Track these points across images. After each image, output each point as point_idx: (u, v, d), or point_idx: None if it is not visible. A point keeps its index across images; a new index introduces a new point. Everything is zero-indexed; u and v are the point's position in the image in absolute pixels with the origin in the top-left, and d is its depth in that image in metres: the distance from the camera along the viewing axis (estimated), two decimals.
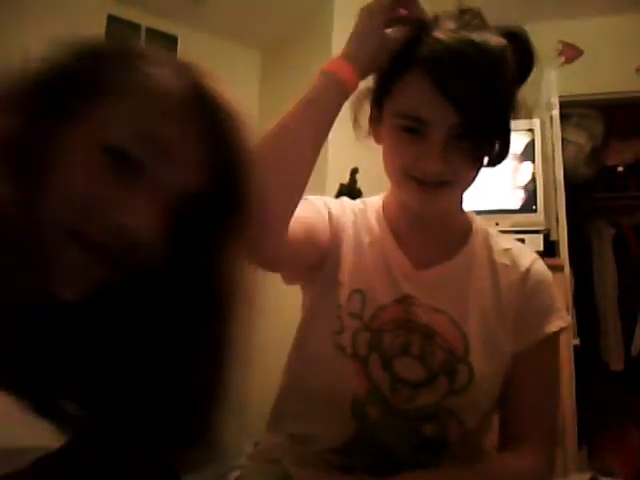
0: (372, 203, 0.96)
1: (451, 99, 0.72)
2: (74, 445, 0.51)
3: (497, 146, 0.80)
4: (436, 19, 0.79)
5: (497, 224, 2.15)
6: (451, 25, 0.76)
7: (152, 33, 2.95)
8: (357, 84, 0.79)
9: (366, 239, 0.90)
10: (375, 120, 0.85)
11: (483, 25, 0.78)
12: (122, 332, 0.53)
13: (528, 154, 2.25)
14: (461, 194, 0.86)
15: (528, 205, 2.21)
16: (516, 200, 2.24)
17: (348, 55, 0.78)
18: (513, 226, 2.15)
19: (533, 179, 2.22)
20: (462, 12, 0.79)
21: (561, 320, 0.86)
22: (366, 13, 0.78)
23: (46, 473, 0.55)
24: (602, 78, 2.79)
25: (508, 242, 0.93)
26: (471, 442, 0.84)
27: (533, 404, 0.85)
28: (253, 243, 0.64)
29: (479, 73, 0.72)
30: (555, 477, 0.86)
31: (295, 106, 0.77)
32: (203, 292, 0.54)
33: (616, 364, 2.95)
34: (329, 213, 0.90)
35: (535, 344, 0.84)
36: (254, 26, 3.05)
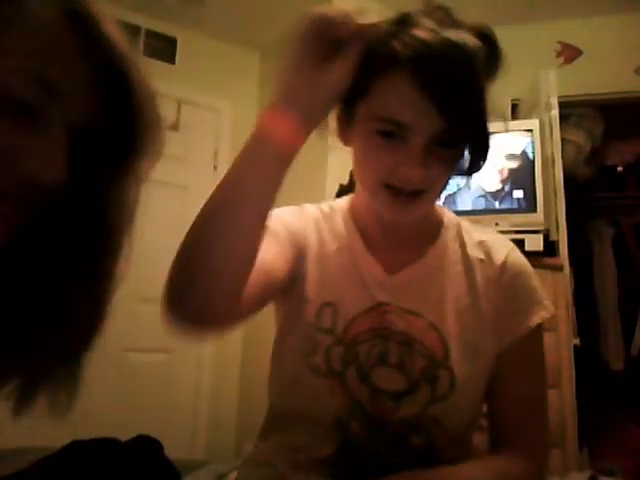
0: (340, 206, 0.92)
1: (436, 103, 0.67)
2: None
3: (475, 152, 0.75)
4: (412, 16, 0.73)
5: (497, 224, 2.15)
6: (429, 23, 0.70)
7: (152, 35, 2.95)
8: (302, 141, 0.67)
9: (333, 246, 0.87)
10: (344, 120, 0.78)
11: (455, 23, 0.72)
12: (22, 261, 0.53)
13: (528, 154, 2.25)
14: (434, 200, 0.81)
15: (528, 205, 2.21)
16: (516, 200, 2.24)
17: (283, 102, 0.66)
18: (513, 226, 2.15)
19: (533, 179, 2.22)
20: (433, 9, 0.74)
21: (543, 311, 0.83)
22: (297, 43, 0.68)
23: (48, 473, 0.55)
24: (601, 78, 2.79)
25: (482, 233, 0.89)
26: (459, 445, 0.82)
27: (520, 403, 0.83)
28: (206, 317, 0.65)
29: (463, 76, 0.68)
30: (555, 476, 0.85)
31: (231, 171, 0.69)
32: (100, 225, 0.55)
33: (616, 363, 2.95)
34: (290, 233, 0.84)
35: (518, 341, 0.82)
36: (253, 28, 3.06)
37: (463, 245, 0.86)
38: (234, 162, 0.70)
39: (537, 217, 2.20)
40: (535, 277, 0.86)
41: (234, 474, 0.90)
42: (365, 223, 0.87)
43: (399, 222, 0.82)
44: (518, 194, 2.24)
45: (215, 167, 3.07)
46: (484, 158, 0.76)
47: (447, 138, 0.70)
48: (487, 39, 0.73)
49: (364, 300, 0.82)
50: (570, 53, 2.89)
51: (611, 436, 2.73)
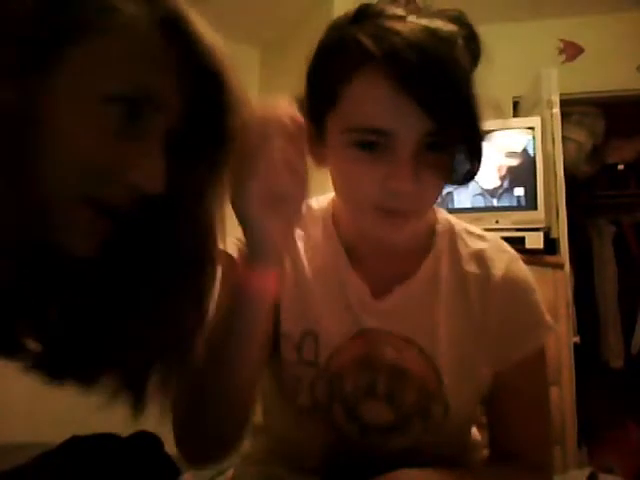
0: (317, 208, 0.80)
1: (420, 101, 0.58)
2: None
3: (469, 154, 0.65)
4: (374, 5, 0.64)
5: (497, 222, 2.15)
6: (397, 11, 0.62)
7: None
8: (274, 287, 0.60)
9: (311, 263, 0.76)
10: (315, 140, 0.67)
11: (423, 10, 0.63)
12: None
13: (529, 152, 2.24)
14: (427, 212, 0.73)
15: (528, 203, 2.21)
16: (516, 198, 2.24)
17: (259, 261, 0.59)
18: (513, 224, 2.15)
19: (534, 177, 2.22)
20: None
21: (544, 332, 0.75)
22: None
23: (47, 469, 0.55)
24: (603, 76, 2.78)
25: (478, 241, 0.78)
26: (455, 455, 0.78)
27: (523, 423, 0.76)
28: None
29: (446, 66, 0.58)
30: (555, 474, 0.85)
31: (217, 326, 0.62)
32: (192, 227, 0.55)
33: (616, 362, 2.95)
34: None
35: (517, 364, 0.74)
36: (253, 24, 3.05)
37: (458, 257, 0.76)
38: (221, 325, 0.62)
39: (538, 215, 2.19)
40: (536, 291, 0.76)
41: (232, 471, 0.90)
42: (349, 233, 0.76)
43: (391, 242, 0.71)
44: (519, 192, 2.23)
45: None
46: (479, 160, 0.66)
47: (437, 140, 0.61)
48: (462, 24, 0.64)
49: (349, 326, 0.74)
50: (572, 51, 2.89)
51: (610, 434, 2.74)
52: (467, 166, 0.66)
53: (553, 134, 2.32)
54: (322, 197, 0.82)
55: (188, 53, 0.50)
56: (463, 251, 0.76)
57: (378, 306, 0.74)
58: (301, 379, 0.73)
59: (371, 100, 0.61)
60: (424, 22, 0.60)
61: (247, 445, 0.93)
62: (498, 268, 0.75)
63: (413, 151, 0.60)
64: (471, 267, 0.75)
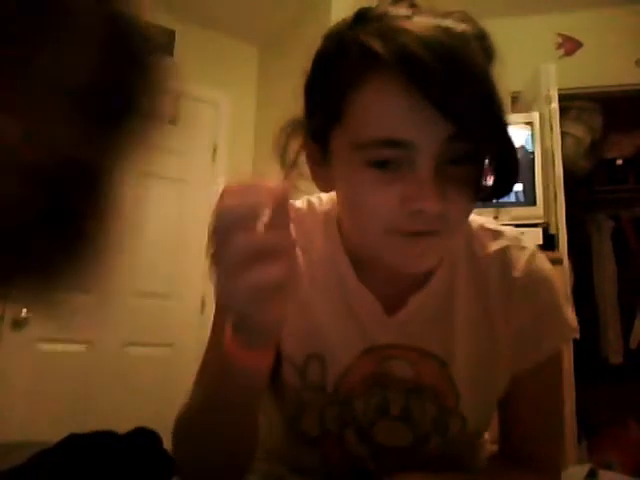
0: (320, 211, 0.73)
1: (441, 105, 0.51)
2: None
3: (500, 164, 0.58)
4: (375, 8, 0.58)
5: (496, 217, 2.15)
6: (404, 11, 0.55)
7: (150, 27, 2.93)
8: (269, 362, 0.54)
9: (313, 276, 0.69)
10: (317, 159, 0.62)
11: (428, 10, 0.57)
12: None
13: (527, 147, 2.24)
14: (457, 236, 0.65)
15: (527, 198, 2.21)
16: (515, 193, 2.24)
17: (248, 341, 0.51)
18: (512, 220, 2.15)
19: (532, 172, 2.22)
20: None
21: (567, 331, 0.71)
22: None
23: (46, 467, 0.55)
24: (601, 71, 2.78)
25: (496, 239, 0.72)
26: (461, 453, 0.75)
27: (536, 426, 0.72)
28: None
29: (467, 65, 0.52)
30: None
31: (206, 392, 0.59)
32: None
33: (615, 357, 2.95)
34: None
35: (537, 364, 0.70)
36: (252, 21, 3.04)
37: (475, 260, 0.71)
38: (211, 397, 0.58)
39: (536, 210, 2.19)
40: (557, 289, 0.71)
41: None
42: (354, 242, 0.69)
43: (415, 270, 0.61)
44: (517, 187, 2.23)
45: (214, 160, 3.06)
46: (514, 171, 0.58)
47: (461, 151, 0.54)
48: (470, 23, 0.58)
49: (358, 344, 0.68)
50: (570, 45, 2.88)
51: (610, 430, 2.74)
52: (499, 176, 0.58)
53: (551, 129, 2.32)
54: (325, 196, 0.75)
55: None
56: (480, 253, 0.71)
57: (391, 321, 0.68)
58: (307, 405, 0.69)
59: (383, 108, 0.53)
60: (432, 22, 0.54)
61: None
62: (518, 269, 0.69)
63: (434, 165, 0.53)
64: (489, 270, 0.70)
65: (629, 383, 2.87)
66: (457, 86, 0.51)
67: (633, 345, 2.94)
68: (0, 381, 2.31)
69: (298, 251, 0.68)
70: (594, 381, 2.61)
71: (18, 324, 2.40)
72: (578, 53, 2.87)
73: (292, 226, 0.66)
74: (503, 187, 0.59)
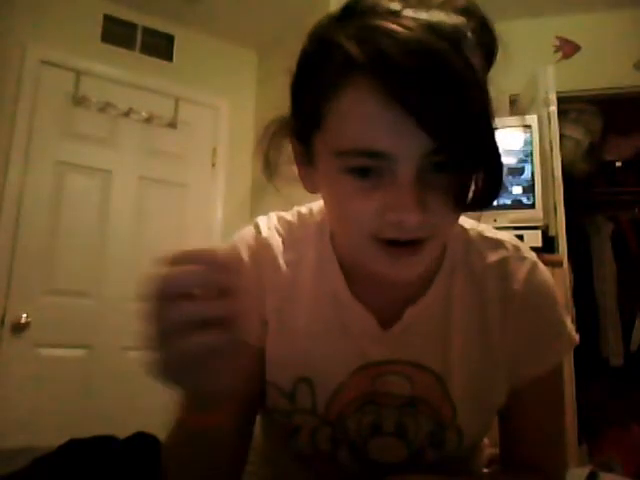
0: (311, 222, 0.71)
1: (419, 116, 0.47)
2: None
3: (486, 173, 0.54)
4: (362, 2, 0.52)
5: (495, 220, 2.15)
6: (394, 5, 0.50)
7: (149, 32, 2.94)
8: (230, 414, 0.53)
9: (303, 294, 0.67)
10: (304, 163, 0.60)
11: (423, 1, 0.51)
12: None
13: (526, 150, 2.24)
14: (442, 244, 0.62)
15: (526, 201, 2.21)
16: (514, 196, 2.24)
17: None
18: (511, 222, 2.15)
19: (531, 175, 2.22)
20: None
21: (567, 344, 0.70)
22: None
23: (47, 472, 0.55)
24: (600, 73, 2.78)
25: (496, 248, 0.69)
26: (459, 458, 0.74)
27: (538, 438, 0.70)
28: None
29: (450, 71, 0.47)
30: None
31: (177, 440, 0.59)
32: None
33: (616, 359, 2.95)
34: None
35: (537, 376, 0.68)
36: (251, 25, 3.05)
37: (473, 271, 0.68)
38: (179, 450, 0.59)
39: (536, 213, 2.20)
40: (558, 301, 0.70)
41: None
42: (347, 253, 0.67)
43: (398, 279, 0.59)
44: (517, 190, 2.23)
45: (213, 165, 3.06)
46: (496, 179, 0.54)
47: (443, 160, 0.51)
48: (471, 15, 0.52)
49: (350, 361, 0.66)
50: (569, 48, 2.89)
51: (610, 431, 2.74)
52: (484, 185, 0.55)
53: (550, 132, 2.32)
54: (315, 207, 0.72)
55: None
56: (479, 264, 0.68)
57: (386, 335, 0.66)
58: (298, 428, 0.67)
59: (359, 117, 0.50)
60: (423, 16, 0.49)
61: None
62: (518, 280, 0.67)
63: (415, 174, 0.50)
64: (488, 281, 0.67)
65: (630, 385, 2.86)
66: (438, 98, 0.47)
67: (633, 348, 2.93)
68: (0, 385, 2.31)
69: (289, 266, 0.67)
70: (595, 383, 2.61)
71: (18, 328, 2.40)
72: (576, 56, 2.88)
73: (279, 243, 0.67)
74: (487, 196, 0.55)
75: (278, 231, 0.71)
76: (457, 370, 0.66)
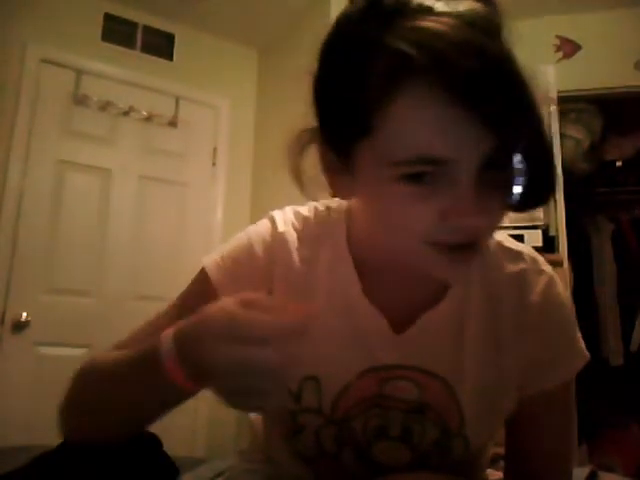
0: (328, 221, 0.69)
1: (486, 117, 0.46)
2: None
3: (538, 169, 0.54)
4: (392, 3, 0.50)
5: None
6: (427, 1, 0.49)
7: (149, 31, 2.94)
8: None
9: (315, 291, 0.66)
10: (337, 170, 0.57)
11: None
12: None
13: None
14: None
15: None
16: (515, 196, 2.24)
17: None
18: (512, 222, 2.15)
19: None
20: None
21: (580, 359, 0.69)
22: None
23: (45, 470, 0.55)
24: (600, 73, 2.78)
25: (515, 260, 0.68)
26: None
27: (546, 450, 0.70)
28: None
29: (509, 68, 0.47)
30: None
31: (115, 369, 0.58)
32: None
33: (616, 359, 2.95)
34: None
35: (548, 390, 0.67)
36: (251, 24, 3.05)
37: (491, 282, 0.67)
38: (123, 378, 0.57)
39: (536, 213, 2.20)
40: (572, 316, 0.70)
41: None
42: (365, 253, 0.66)
43: (456, 282, 0.62)
44: (516, 189, 2.23)
45: (214, 164, 3.06)
46: (552, 176, 0.54)
47: (499, 159, 0.50)
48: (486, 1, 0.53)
49: (358, 363, 0.65)
50: (569, 48, 2.89)
51: (610, 432, 2.74)
52: (534, 186, 0.55)
53: (551, 131, 2.32)
54: (332, 203, 0.71)
55: None
56: (497, 274, 0.67)
57: (398, 339, 0.65)
58: (303, 427, 0.67)
59: (421, 124, 0.48)
60: (458, 11, 0.48)
61: (245, 442, 0.92)
62: (535, 293, 0.67)
63: (474, 177, 0.49)
64: (505, 292, 0.67)
65: (629, 385, 2.86)
66: (502, 95, 0.46)
67: (633, 348, 2.93)
68: (0, 384, 2.31)
69: (303, 264, 0.66)
70: (594, 383, 2.60)
71: (18, 327, 2.40)
72: (577, 56, 2.88)
73: (294, 239, 0.67)
74: (541, 194, 0.56)
75: (294, 226, 0.69)
76: (468, 379, 0.65)
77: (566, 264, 2.20)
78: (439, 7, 0.49)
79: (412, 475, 0.66)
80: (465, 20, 0.48)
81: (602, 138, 3.09)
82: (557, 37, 2.90)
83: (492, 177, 0.50)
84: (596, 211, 3.16)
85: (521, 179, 0.53)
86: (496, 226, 0.56)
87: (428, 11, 0.48)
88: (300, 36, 2.73)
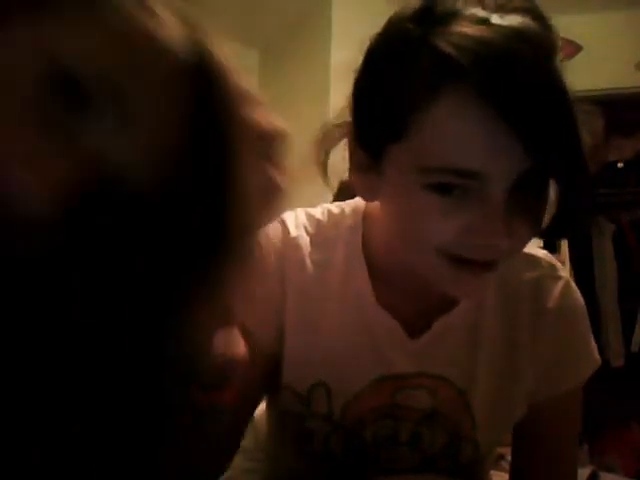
0: (343, 226, 0.67)
1: (526, 135, 0.45)
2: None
3: (572, 195, 0.51)
4: (446, 2, 0.49)
5: None
6: (480, 13, 0.47)
7: None
8: None
9: (327, 296, 0.64)
10: (365, 168, 0.56)
11: (499, 4, 0.48)
12: None
13: None
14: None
15: None
16: None
17: None
18: None
19: None
20: None
21: (591, 365, 0.69)
22: None
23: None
24: (602, 74, 2.78)
25: (532, 266, 0.67)
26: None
27: (551, 457, 0.70)
28: None
29: (557, 88, 0.47)
30: None
31: None
32: None
33: (616, 360, 2.95)
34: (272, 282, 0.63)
35: (558, 396, 0.68)
36: (252, 25, 3.05)
37: (507, 287, 0.66)
38: None
39: None
40: (587, 322, 0.70)
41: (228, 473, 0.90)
42: (380, 258, 0.64)
43: (464, 297, 0.61)
44: None
45: None
46: (587, 203, 0.52)
47: (534, 178, 0.48)
48: (540, 18, 0.52)
49: (372, 368, 0.64)
50: (570, 49, 2.89)
51: (611, 432, 2.74)
52: (568, 208, 0.52)
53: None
54: (347, 206, 0.68)
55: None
56: (514, 279, 0.66)
57: (413, 345, 0.64)
58: (312, 431, 0.66)
59: (458, 134, 0.47)
60: (513, 24, 0.46)
61: (247, 441, 0.93)
62: (552, 299, 0.66)
63: (506, 195, 0.47)
64: (520, 298, 0.66)
65: (630, 386, 2.86)
66: (547, 113, 0.45)
67: (634, 349, 2.93)
68: None
69: (316, 267, 0.64)
70: (595, 384, 2.60)
71: None
72: (578, 57, 2.88)
73: (307, 243, 0.65)
74: (567, 228, 0.53)
75: (306, 229, 0.67)
76: (481, 384, 0.65)
77: (567, 265, 2.21)
78: (494, 19, 0.47)
79: (414, 477, 0.67)
80: (521, 35, 0.46)
81: (604, 139, 3.09)
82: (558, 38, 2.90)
83: (523, 199, 0.49)
84: (597, 212, 3.16)
85: (554, 207, 0.51)
86: (519, 250, 0.54)
87: (483, 21, 0.47)
88: (301, 36, 2.74)
